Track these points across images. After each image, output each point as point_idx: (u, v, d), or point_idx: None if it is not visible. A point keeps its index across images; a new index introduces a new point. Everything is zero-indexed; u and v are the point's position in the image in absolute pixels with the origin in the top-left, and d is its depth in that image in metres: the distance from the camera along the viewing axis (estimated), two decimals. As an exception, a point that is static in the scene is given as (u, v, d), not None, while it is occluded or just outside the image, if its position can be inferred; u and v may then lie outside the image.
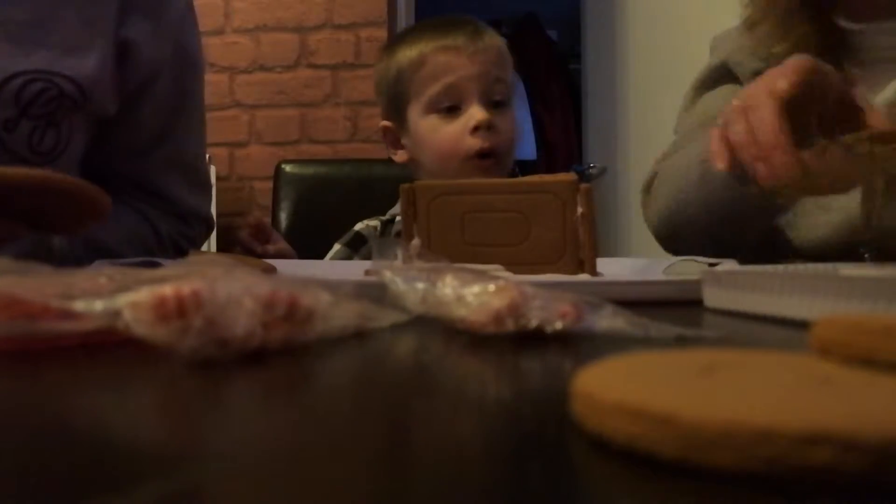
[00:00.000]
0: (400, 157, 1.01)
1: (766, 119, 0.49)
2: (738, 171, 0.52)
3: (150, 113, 0.85)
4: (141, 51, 0.81)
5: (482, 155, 0.91)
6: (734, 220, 0.71)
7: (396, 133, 1.00)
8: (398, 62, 0.96)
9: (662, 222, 0.83)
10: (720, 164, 0.53)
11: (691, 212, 0.75)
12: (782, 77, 0.51)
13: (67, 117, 0.76)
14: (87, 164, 0.82)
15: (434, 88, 0.92)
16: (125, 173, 0.86)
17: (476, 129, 0.90)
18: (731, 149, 0.52)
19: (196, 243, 0.95)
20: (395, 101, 0.97)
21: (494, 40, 0.96)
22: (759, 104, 0.51)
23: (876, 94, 0.78)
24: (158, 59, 0.83)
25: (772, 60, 0.74)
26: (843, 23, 0.85)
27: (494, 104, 0.93)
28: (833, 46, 0.84)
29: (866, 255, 0.63)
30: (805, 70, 0.51)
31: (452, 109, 0.92)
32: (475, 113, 0.91)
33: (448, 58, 0.92)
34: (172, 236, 0.88)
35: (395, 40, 1.02)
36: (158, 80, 0.84)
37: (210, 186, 0.96)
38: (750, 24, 0.88)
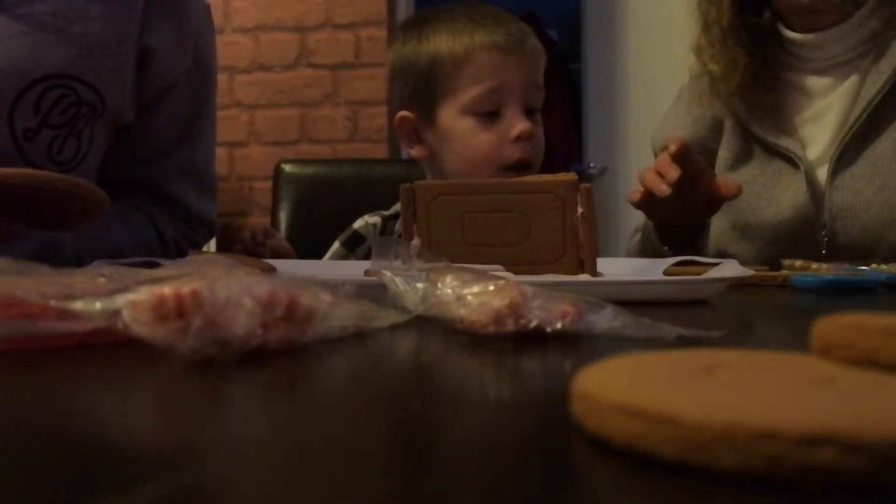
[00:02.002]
0: (418, 151, 0.93)
1: (664, 159, 0.76)
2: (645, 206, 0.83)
3: (165, 120, 0.84)
4: (161, 59, 0.80)
5: (519, 166, 0.86)
6: None
7: (417, 126, 0.92)
8: (435, 50, 0.88)
9: None
10: (635, 198, 0.80)
11: None
12: (671, 143, 0.77)
13: (88, 126, 0.76)
14: (99, 167, 0.82)
15: (478, 90, 0.86)
16: (135, 177, 0.86)
17: (517, 139, 0.86)
18: (644, 188, 0.78)
19: (198, 247, 0.95)
20: (424, 93, 0.90)
21: (536, 42, 0.91)
22: (659, 159, 0.78)
23: (823, 98, 0.91)
24: (177, 67, 0.83)
25: (709, 78, 0.94)
26: (788, 33, 0.92)
27: (529, 111, 0.89)
28: (777, 58, 0.94)
29: (825, 237, 0.88)
30: (682, 140, 0.76)
31: (492, 114, 0.87)
32: (518, 122, 0.86)
33: (497, 58, 0.86)
34: (177, 240, 0.89)
35: (425, 24, 0.91)
36: (176, 89, 0.84)
37: (217, 191, 0.96)
38: (697, 50, 0.96)
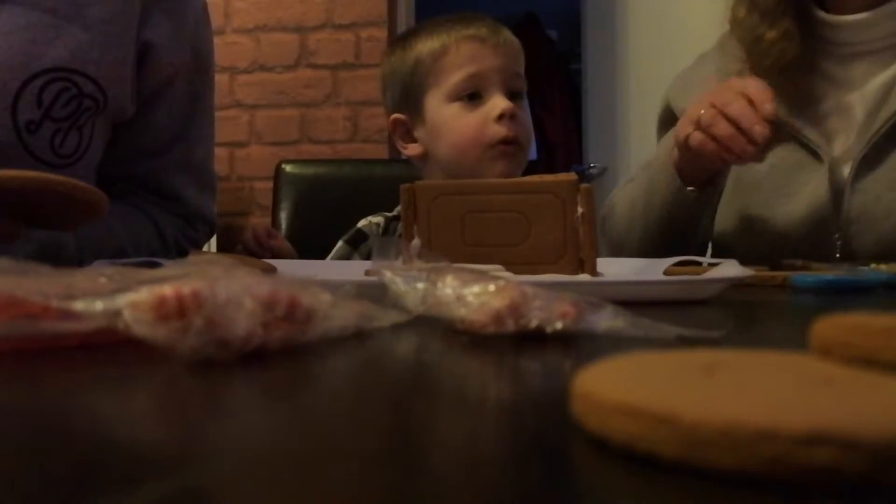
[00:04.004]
0: (412, 150, 0.99)
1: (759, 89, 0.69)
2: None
3: (164, 115, 0.85)
4: (161, 53, 0.81)
5: (507, 142, 0.90)
6: (672, 232, 0.88)
7: (409, 125, 0.98)
8: (417, 52, 0.95)
9: (614, 247, 0.96)
10: (695, 141, 0.73)
11: (637, 235, 0.92)
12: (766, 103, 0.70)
13: (90, 121, 0.76)
14: (99, 164, 0.82)
15: (458, 76, 0.92)
16: (135, 174, 0.86)
17: (500, 118, 0.90)
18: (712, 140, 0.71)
19: (199, 245, 0.95)
20: (411, 91, 0.96)
21: (511, 36, 0.97)
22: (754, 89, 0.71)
23: (850, 90, 0.86)
24: (176, 61, 0.83)
25: (757, 48, 0.88)
26: (824, 15, 0.88)
27: (513, 96, 0.93)
28: (811, 42, 0.88)
29: (838, 241, 0.83)
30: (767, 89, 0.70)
31: (474, 97, 0.92)
32: (499, 102, 0.90)
33: (472, 47, 0.92)
34: (177, 239, 0.89)
35: (409, 35, 1.01)
36: (175, 83, 0.84)
37: (216, 188, 0.97)
38: (735, 20, 0.92)
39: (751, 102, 0.69)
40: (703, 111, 0.72)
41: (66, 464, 0.15)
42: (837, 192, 0.84)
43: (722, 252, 0.92)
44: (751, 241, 0.90)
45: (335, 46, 2.15)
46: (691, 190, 0.83)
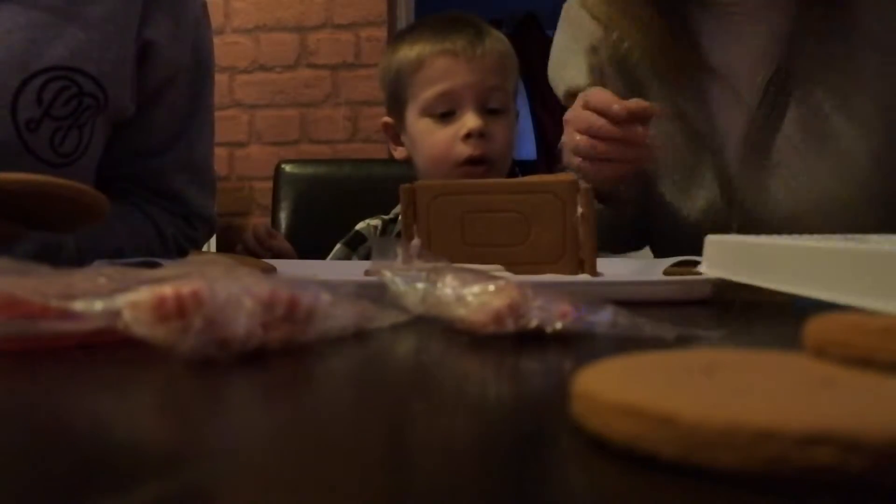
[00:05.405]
0: (399, 153, 1.01)
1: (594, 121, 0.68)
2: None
3: (164, 115, 0.85)
4: (161, 52, 0.81)
5: (473, 161, 0.90)
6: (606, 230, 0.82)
7: (396, 130, 0.99)
8: (399, 61, 0.95)
9: None
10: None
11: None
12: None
13: (91, 120, 0.76)
14: (98, 163, 0.82)
15: (430, 93, 0.91)
16: (135, 174, 0.86)
17: (468, 137, 0.89)
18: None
19: (199, 245, 0.95)
20: (396, 98, 0.97)
21: (496, 45, 0.94)
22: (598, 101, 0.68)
23: (727, 55, 0.77)
24: (176, 61, 0.83)
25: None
26: None
27: (489, 111, 0.92)
28: (680, 5, 0.79)
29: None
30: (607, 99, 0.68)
31: (447, 115, 0.91)
32: (468, 120, 0.90)
33: (446, 63, 0.91)
34: (177, 238, 0.89)
35: (399, 37, 1.01)
36: (175, 83, 0.84)
37: (216, 187, 0.97)
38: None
39: (601, 113, 0.67)
40: (577, 139, 0.71)
41: (66, 464, 0.15)
42: (724, 183, 0.77)
43: (657, 251, 0.89)
44: (662, 237, 0.86)
45: (335, 46, 2.15)
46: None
